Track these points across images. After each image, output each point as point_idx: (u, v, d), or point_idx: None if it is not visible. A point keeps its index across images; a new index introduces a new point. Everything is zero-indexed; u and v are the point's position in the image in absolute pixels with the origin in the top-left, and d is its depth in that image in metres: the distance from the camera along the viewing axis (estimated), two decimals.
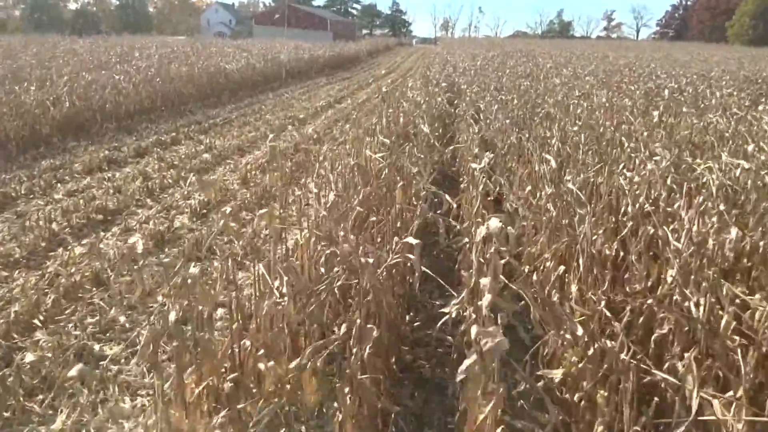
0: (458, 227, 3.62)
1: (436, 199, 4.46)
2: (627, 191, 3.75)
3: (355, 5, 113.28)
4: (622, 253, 3.63)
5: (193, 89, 15.04)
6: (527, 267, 3.51)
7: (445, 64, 20.05)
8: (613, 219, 3.94)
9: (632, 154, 4.92)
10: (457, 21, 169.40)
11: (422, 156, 4.77)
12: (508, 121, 6.29)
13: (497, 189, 4.07)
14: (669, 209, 3.36)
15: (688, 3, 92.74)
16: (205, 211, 6.37)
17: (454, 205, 3.79)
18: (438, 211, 3.95)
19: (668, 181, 3.85)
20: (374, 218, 3.87)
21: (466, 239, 3.55)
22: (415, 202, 4.34)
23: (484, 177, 3.42)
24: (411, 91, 9.45)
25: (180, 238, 5.60)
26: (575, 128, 6.19)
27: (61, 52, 16.84)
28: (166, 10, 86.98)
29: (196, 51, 19.61)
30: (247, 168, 8.12)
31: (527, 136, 6.93)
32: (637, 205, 3.39)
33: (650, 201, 3.64)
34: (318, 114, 14.41)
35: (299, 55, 25.04)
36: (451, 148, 5.08)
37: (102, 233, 5.66)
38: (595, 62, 18.80)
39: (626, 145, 5.23)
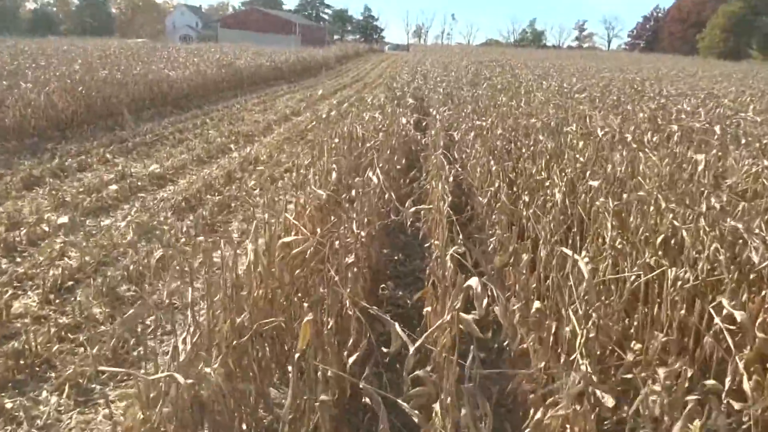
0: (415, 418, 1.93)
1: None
2: (721, 329, 2.10)
3: (326, 10, 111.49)
4: None
5: (128, 99, 13.12)
6: None
7: (415, 74, 18.46)
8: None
9: (684, 224, 3.29)
10: (430, 28, 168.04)
11: (362, 235, 3.07)
12: (492, 162, 4.64)
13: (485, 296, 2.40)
14: None
15: (659, 15, 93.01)
16: (71, 283, 4.56)
17: (412, 348, 2.09)
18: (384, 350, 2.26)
19: None
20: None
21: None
22: (351, 322, 2.63)
23: None
24: (370, 110, 7.76)
25: (12, 337, 3.77)
26: (582, 168, 4.58)
27: None
28: (130, 11, 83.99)
29: (135, 55, 17.59)
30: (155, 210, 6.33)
31: (515, 175, 5.32)
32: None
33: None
34: (270, 129, 12.64)
35: (259, 61, 23.18)
36: (412, 210, 3.41)
37: None
38: (576, 75, 17.37)
39: (663, 204, 3.60)
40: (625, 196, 3.88)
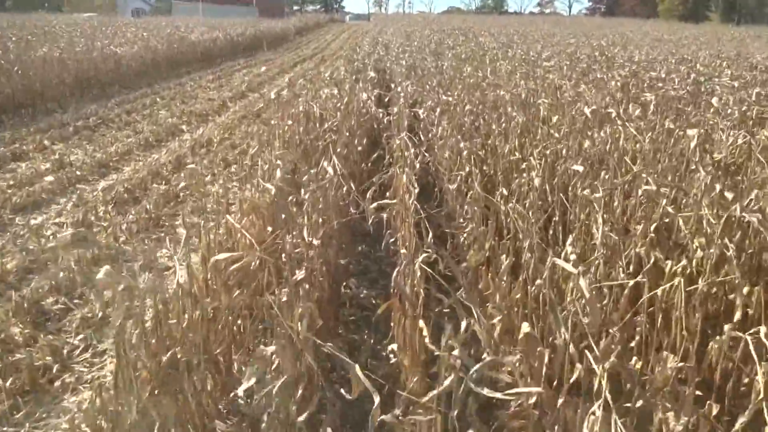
0: None
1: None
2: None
3: None
4: None
5: (70, 80, 12.25)
6: None
7: (376, 45, 17.83)
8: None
9: (680, 210, 2.91)
10: None
11: (316, 243, 2.61)
12: (462, 143, 4.21)
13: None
14: None
15: None
16: None
17: (377, 399, 1.66)
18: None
19: None
20: None
21: None
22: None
23: None
24: (329, 86, 7.21)
25: None
26: (559, 143, 4.19)
27: None
28: None
29: (78, 30, 16.54)
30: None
31: (484, 153, 4.90)
32: None
33: None
34: (225, 107, 11.97)
35: (213, 35, 22.17)
36: (375, 205, 2.96)
37: None
38: (541, 42, 16.96)
39: (654, 188, 3.21)
40: (605, 176, 3.48)
